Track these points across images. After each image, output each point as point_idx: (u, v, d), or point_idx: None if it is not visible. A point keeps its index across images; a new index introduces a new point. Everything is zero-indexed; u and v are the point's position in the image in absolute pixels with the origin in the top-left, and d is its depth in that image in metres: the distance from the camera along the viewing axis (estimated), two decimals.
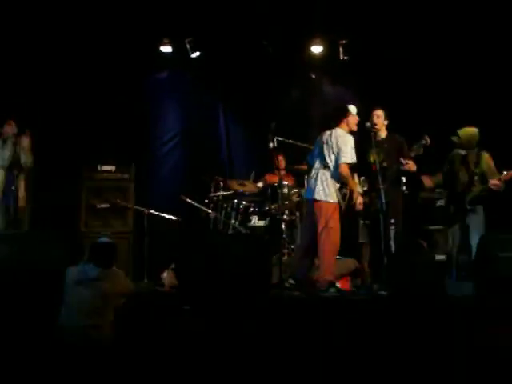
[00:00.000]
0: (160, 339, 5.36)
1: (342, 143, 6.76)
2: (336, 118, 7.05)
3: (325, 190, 6.77)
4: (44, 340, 5.22)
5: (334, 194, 6.80)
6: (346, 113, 7.04)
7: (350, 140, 6.81)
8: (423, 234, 7.91)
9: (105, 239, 5.72)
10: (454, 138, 7.07)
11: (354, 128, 7.03)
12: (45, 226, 8.09)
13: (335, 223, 6.75)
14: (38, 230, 7.88)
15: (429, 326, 5.25)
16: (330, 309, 5.86)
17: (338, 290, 6.86)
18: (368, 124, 6.93)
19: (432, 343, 5.08)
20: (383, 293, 6.45)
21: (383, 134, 7.23)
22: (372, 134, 6.89)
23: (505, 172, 6.71)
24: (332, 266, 6.78)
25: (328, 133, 6.95)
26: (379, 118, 7.16)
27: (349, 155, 6.72)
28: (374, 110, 7.25)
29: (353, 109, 7.11)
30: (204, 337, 5.36)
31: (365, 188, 7.26)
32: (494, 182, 6.71)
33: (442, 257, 7.38)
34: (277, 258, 7.07)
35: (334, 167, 6.80)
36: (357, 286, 7.48)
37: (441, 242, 7.77)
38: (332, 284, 6.75)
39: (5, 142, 7.64)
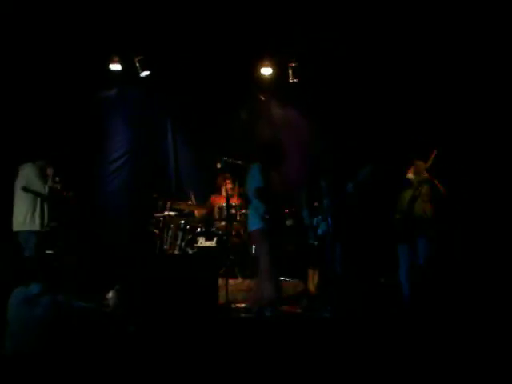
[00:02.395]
0: (104, 359, 5.27)
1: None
2: None
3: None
4: None
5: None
6: None
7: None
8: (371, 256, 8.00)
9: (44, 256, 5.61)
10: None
11: None
12: None
13: None
14: None
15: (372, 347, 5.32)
16: (272, 330, 5.88)
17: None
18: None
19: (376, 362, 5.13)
20: (327, 315, 6.50)
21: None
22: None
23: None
24: None
25: None
26: None
27: None
28: None
29: None
30: (148, 358, 5.29)
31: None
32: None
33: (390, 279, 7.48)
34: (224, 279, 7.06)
35: None
36: (303, 308, 7.50)
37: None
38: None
39: None
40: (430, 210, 7.17)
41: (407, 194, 7.30)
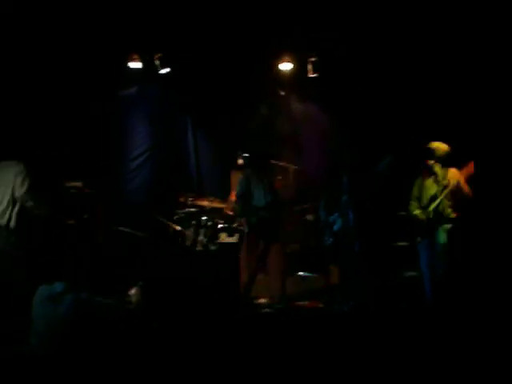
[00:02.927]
0: (127, 356, 5.30)
1: None
2: None
3: None
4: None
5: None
6: None
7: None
8: (391, 251, 7.95)
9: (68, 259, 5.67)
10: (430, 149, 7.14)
11: None
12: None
13: None
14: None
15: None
16: (294, 324, 5.89)
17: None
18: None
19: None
20: (347, 309, 6.51)
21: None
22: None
23: None
24: None
25: None
26: None
27: None
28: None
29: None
30: (171, 353, 5.32)
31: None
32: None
33: (412, 273, 7.42)
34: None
35: None
36: (325, 303, 7.51)
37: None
38: None
39: None
40: (451, 208, 7.04)
41: (429, 183, 7.13)
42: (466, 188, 6.82)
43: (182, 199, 8.62)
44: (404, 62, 8.94)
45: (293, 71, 9.67)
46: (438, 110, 8.75)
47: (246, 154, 7.70)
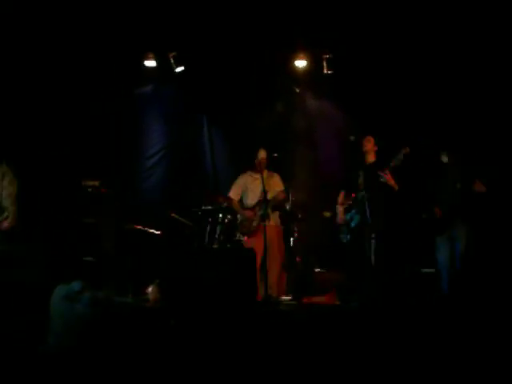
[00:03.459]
0: (146, 354, 5.32)
1: None
2: None
3: None
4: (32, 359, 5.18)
5: None
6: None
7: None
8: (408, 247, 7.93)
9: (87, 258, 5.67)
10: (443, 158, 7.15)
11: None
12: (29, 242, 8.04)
13: None
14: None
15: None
16: (314, 323, 5.88)
17: None
18: (352, 137, 7.10)
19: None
20: (363, 306, 6.52)
21: (372, 158, 7.34)
22: (360, 148, 7.27)
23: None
24: None
25: None
26: (369, 143, 7.31)
27: None
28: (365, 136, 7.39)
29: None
30: (190, 352, 5.33)
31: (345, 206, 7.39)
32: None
33: (429, 269, 7.40)
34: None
35: None
36: (342, 300, 7.50)
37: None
38: None
39: None
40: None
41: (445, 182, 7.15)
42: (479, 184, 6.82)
43: (198, 197, 8.61)
44: (419, 57, 8.90)
45: (308, 68, 9.65)
46: (453, 105, 8.71)
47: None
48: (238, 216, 8.07)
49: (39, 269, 6.16)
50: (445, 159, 7.10)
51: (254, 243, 7.53)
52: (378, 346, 5.34)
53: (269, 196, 7.66)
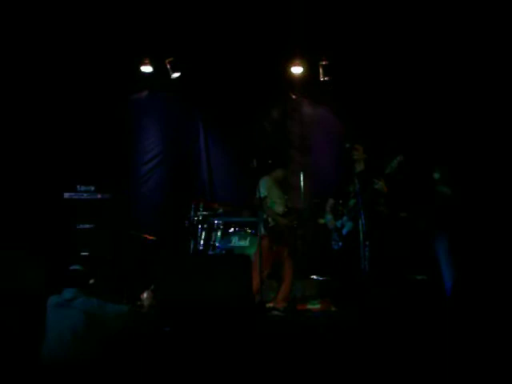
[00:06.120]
0: (140, 360, 5.32)
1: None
2: None
3: None
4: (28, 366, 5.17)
5: None
6: None
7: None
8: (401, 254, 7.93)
9: (76, 267, 5.62)
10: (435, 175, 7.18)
11: None
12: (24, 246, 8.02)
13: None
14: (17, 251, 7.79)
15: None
16: (308, 330, 5.90)
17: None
18: (347, 144, 7.13)
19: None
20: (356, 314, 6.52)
21: (362, 166, 7.37)
22: (351, 156, 7.26)
23: None
24: None
25: None
26: (358, 151, 7.33)
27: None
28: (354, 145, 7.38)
29: None
30: (183, 358, 5.33)
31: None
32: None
33: (422, 276, 7.40)
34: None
35: None
36: (337, 306, 7.51)
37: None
38: None
39: None
40: None
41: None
42: None
43: (193, 202, 8.60)
44: (415, 63, 8.93)
45: (304, 75, 9.66)
46: (449, 113, 8.74)
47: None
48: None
49: (33, 275, 6.14)
50: (436, 176, 7.13)
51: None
52: (375, 353, 5.35)
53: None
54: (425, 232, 7.16)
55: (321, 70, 9.49)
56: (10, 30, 8.28)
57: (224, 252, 8.21)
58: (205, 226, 8.49)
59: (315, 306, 7.46)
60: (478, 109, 8.60)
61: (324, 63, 9.45)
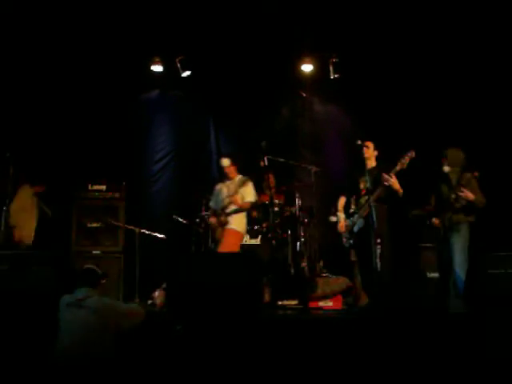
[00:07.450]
0: (152, 358, 5.33)
1: None
2: None
3: None
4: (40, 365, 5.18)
5: None
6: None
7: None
8: (413, 252, 7.91)
9: (88, 266, 5.63)
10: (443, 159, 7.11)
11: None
12: (35, 245, 8.07)
13: None
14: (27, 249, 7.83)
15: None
16: (320, 328, 5.88)
17: None
18: (358, 141, 7.09)
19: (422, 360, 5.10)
20: (369, 312, 6.50)
21: (373, 163, 7.33)
22: (362, 153, 7.21)
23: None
24: None
25: None
26: (369, 148, 7.29)
27: None
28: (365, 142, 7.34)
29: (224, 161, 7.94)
30: (195, 356, 5.33)
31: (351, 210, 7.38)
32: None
33: (434, 274, 7.37)
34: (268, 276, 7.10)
35: None
36: (349, 305, 7.49)
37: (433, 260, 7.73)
38: None
39: None
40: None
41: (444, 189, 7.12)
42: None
43: (204, 201, 8.59)
44: (426, 61, 8.91)
45: (314, 73, 9.65)
46: (461, 111, 8.72)
47: (270, 156, 7.76)
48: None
49: (46, 275, 6.15)
50: (446, 169, 7.06)
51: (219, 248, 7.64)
52: (386, 351, 5.34)
53: (225, 202, 7.73)
54: (436, 229, 7.11)
55: (331, 68, 9.47)
56: (24, 32, 8.34)
57: None
58: None
59: (327, 304, 7.43)
60: (492, 103, 8.58)
61: (334, 60, 9.43)
